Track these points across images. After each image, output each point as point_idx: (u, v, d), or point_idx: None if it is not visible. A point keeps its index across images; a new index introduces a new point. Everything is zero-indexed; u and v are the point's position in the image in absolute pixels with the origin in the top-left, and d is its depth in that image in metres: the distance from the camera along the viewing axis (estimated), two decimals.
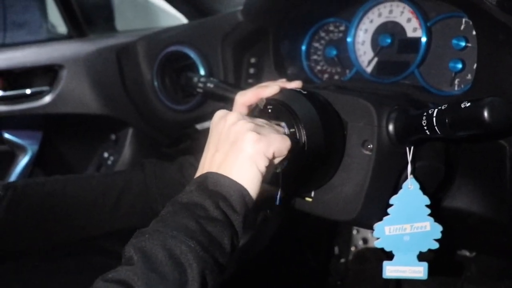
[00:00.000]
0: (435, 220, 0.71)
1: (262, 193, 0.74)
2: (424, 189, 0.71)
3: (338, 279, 1.57)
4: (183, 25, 1.36)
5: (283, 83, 0.76)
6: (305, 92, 0.70)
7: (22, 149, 1.38)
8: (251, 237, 1.64)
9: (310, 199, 0.75)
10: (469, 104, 0.55)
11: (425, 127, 0.60)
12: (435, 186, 0.76)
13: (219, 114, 0.65)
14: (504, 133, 0.67)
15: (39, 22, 1.44)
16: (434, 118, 0.59)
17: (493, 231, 0.84)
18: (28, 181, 0.82)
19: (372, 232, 1.50)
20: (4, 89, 1.29)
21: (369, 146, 0.69)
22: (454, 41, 0.81)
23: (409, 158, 0.69)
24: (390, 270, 0.74)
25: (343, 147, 0.71)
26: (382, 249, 0.73)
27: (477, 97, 0.56)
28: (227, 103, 0.90)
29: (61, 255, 1.35)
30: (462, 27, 0.81)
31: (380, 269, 0.75)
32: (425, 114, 0.60)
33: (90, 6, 1.47)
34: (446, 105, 0.58)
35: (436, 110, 0.59)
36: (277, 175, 0.69)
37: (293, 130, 0.65)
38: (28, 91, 1.31)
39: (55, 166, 1.46)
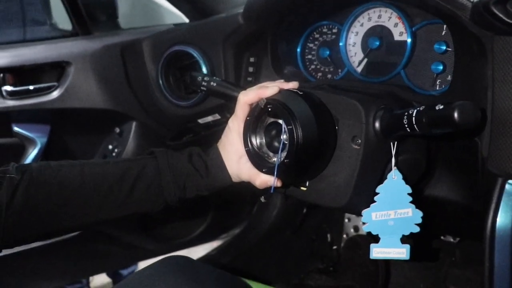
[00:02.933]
0: (416, 207, 0.77)
1: (262, 182, 0.82)
2: (406, 179, 0.77)
3: (330, 265, 1.63)
4: (187, 26, 1.40)
5: (281, 84, 0.81)
6: (301, 93, 0.78)
7: (31, 142, 1.42)
8: (248, 225, 1.72)
9: (304, 188, 0.83)
10: (442, 106, 0.62)
11: (406, 125, 0.68)
12: (417, 177, 0.84)
13: None
14: (475, 131, 0.74)
15: (46, 20, 1.50)
16: (414, 118, 0.66)
17: (470, 217, 0.91)
18: (43, 165, 0.81)
19: (362, 221, 1.58)
20: (14, 85, 1.32)
21: (357, 141, 0.76)
22: (436, 45, 0.87)
23: (393, 152, 0.77)
24: (377, 252, 0.80)
25: (334, 141, 0.78)
26: (369, 234, 0.80)
27: (452, 99, 0.64)
28: (228, 101, 0.97)
29: (66, 241, 1.41)
30: (443, 32, 0.87)
31: (368, 254, 0.82)
32: (406, 113, 0.68)
33: (95, 5, 1.51)
34: (423, 107, 0.66)
35: (415, 110, 0.66)
36: (273, 167, 0.77)
37: (290, 127, 0.72)
38: (37, 87, 1.34)
39: (62, 157, 1.50)
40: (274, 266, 1.67)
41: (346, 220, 1.67)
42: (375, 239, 0.80)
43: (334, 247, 1.68)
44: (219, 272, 0.82)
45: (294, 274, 1.62)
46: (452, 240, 1.43)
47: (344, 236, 1.67)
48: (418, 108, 0.66)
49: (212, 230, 1.72)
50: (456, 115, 0.60)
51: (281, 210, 1.64)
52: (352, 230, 1.66)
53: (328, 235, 1.70)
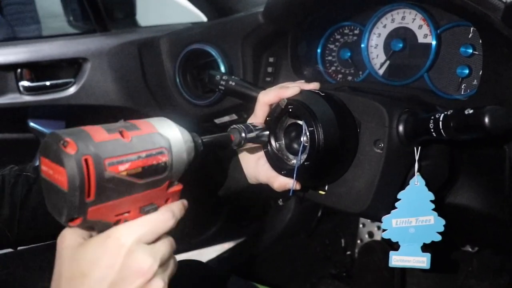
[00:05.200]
0: (439, 215, 0.75)
1: (281, 185, 0.80)
2: (429, 185, 0.75)
3: (343, 271, 1.62)
4: (206, 24, 1.40)
5: (302, 84, 0.80)
6: (323, 94, 0.76)
7: None
8: (261, 228, 1.70)
9: (323, 192, 0.81)
10: (472, 111, 0.60)
11: (432, 130, 0.65)
12: (440, 183, 0.81)
13: (111, 233, 0.52)
14: (504, 137, 0.72)
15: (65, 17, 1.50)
16: (441, 122, 0.64)
17: (493, 227, 0.89)
18: None
19: (377, 227, 1.56)
20: (31, 80, 1.33)
21: (380, 145, 0.74)
22: (462, 48, 0.85)
23: (417, 157, 0.74)
24: (396, 260, 0.78)
25: (356, 145, 0.76)
26: (387, 242, 0.78)
27: (480, 104, 0.61)
28: (246, 101, 0.96)
29: None
30: (470, 35, 0.85)
31: (385, 261, 0.80)
32: (432, 118, 0.65)
33: (113, 2, 1.52)
34: (451, 111, 0.63)
35: (442, 115, 0.64)
36: (293, 169, 0.75)
37: (312, 128, 0.70)
38: (53, 83, 1.35)
39: None
40: (286, 269, 1.65)
41: (361, 225, 1.65)
42: (391, 245, 0.78)
43: (348, 252, 1.66)
44: (233, 277, 0.81)
45: (307, 279, 1.61)
46: (470, 249, 1.40)
47: (358, 241, 1.65)
48: (445, 112, 0.64)
49: (224, 231, 1.71)
50: (487, 120, 0.58)
51: (295, 213, 1.62)
52: (366, 235, 1.64)
53: (342, 240, 1.68)
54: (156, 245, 0.54)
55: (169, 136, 0.55)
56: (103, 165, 0.49)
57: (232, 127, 0.73)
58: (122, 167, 0.50)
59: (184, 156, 0.57)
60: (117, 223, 0.53)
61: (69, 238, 0.53)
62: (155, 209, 0.56)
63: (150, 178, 0.53)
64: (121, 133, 0.52)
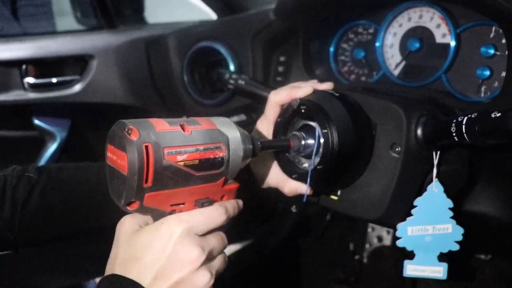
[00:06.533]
0: (457, 223, 0.72)
1: (292, 189, 0.77)
2: (447, 192, 0.72)
3: (351, 276, 1.59)
4: (214, 21, 1.38)
5: (315, 84, 0.77)
6: (337, 94, 0.72)
7: (51, 136, 1.41)
8: (268, 231, 1.67)
9: (336, 197, 0.78)
10: (499, 114, 0.56)
11: (454, 134, 0.62)
12: (458, 190, 0.77)
13: (169, 222, 0.55)
14: None
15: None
16: (464, 126, 0.60)
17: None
18: (61, 166, 0.80)
19: (387, 231, 1.52)
20: (37, 77, 1.32)
21: (397, 149, 0.70)
22: (483, 49, 0.81)
23: (435, 162, 0.71)
24: (411, 269, 0.75)
25: (371, 148, 0.73)
26: (400, 248, 0.75)
27: (506, 107, 0.58)
28: (256, 100, 0.93)
29: (78, 242, 1.39)
30: (492, 35, 0.81)
31: (396, 268, 0.77)
32: (454, 121, 0.62)
33: None
34: (476, 114, 0.59)
35: (465, 118, 0.60)
36: (304, 173, 0.71)
37: (326, 130, 0.67)
38: (59, 80, 1.34)
39: (82, 153, 1.49)
40: (293, 274, 1.62)
41: (370, 230, 1.62)
42: (402, 251, 0.75)
43: (356, 257, 1.63)
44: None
45: (314, 283, 1.58)
46: (483, 257, 1.36)
47: (367, 246, 1.62)
48: (469, 115, 0.60)
49: (230, 234, 1.68)
50: None
51: (304, 216, 1.59)
52: (375, 240, 1.61)
53: (351, 244, 1.65)
54: (207, 238, 0.57)
55: (228, 134, 0.58)
56: (162, 153, 0.52)
57: (292, 133, 0.72)
58: (180, 157, 0.54)
59: (241, 154, 0.59)
60: (172, 213, 0.57)
61: (127, 225, 0.56)
62: (210, 204, 0.59)
63: (207, 172, 0.56)
64: (181, 126, 0.55)
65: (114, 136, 0.54)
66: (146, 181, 0.52)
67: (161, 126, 0.54)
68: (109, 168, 0.56)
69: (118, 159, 0.53)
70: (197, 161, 0.55)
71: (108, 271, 0.56)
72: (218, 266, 0.58)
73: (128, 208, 0.54)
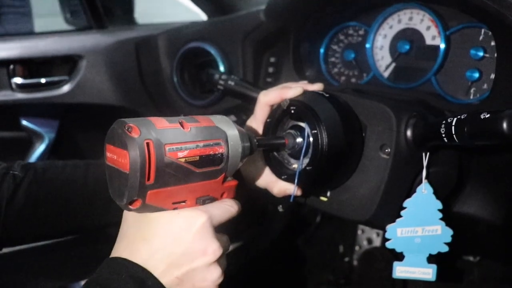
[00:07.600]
0: (446, 224, 0.72)
1: (281, 190, 0.76)
2: (437, 193, 0.72)
3: (341, 278, 1.59)
4: (205, 22, 1.37)
5: (305, 85, 0.77)
6: (327, 95, 0.72)
7: (39, 137, 1.40)
8: (258, 233, 1.66)
9: (325, 199, 0.77)
10: (488, 115, 0.56)
11: (444, 135, 0.62)
12: (448, 191, 0.78)
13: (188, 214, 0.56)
14: None
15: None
16: (453, 127, 0.60)
17: (500, 236, 0.86)
18: (47, 164, 0.79)
19: (377, 233, 1.52)
20: (25, 77, 1.30)
21: (386, 150, 0.70)
22: (472, 51, 0.82)
23: (425, 163, 0.71)
24: (400, 271, 0.75)
25: (361, 150, 0.73)
26: (390, 250, 0.75)
27: (495, 108, 0.58)
28: (246, 101, 0.92)
29: (72, 243, 1.37)
30: (481, 37, 0.81)
31: (386, 270, 0.77)
32: (444, 122, 0.62)
33: None
34: (465, 115, 0.59)
35: (455, 119, 0.60)
36: (294, 174, 0.71)
37: (315, 131, 0.67)
38: (47, 80, 1.32)
39: (70, 154, 1.47)
40: (282, 276, 1.62)
41: (360, 232, 1.61)
42: (393, 252, 0.75)
43: (346, 258, 1.63)
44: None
45: (304, 285, 1.57)
46: (471, 258, 1.37)
47: (357, 248, 1.62)
48: (458, 116, 0.60)
49: None
50: (505, 125, 0.54)
51: (293, 218, 1.58)
52: (365, 242, 1.61)
53: (340, 246, 1.65)
54: (223, 236, 0.59)
55: (226, 131, 0.59)
56: (164, 150, 0.53)
57: (287, 131, 0.72)
58: (181, 154, 0.54)
59: (240, 151, 0.59)
60: None
61: None
62: (211, 201, 0.60)
63: (207, 168, 0.57)
64: (181, 123, 0.56)
65: (113, 135, 0.53)
66: (148, 179, 0.52)
67: (161, 124, 0.54)
68: (109, 169, 0.56)
69: (118, 158, 0.53)
70: (198, 157, 0.55)
71: (114, 253, 0.56)
72: (225, 266, 0.59)
73: (130, 206, 0.54)
